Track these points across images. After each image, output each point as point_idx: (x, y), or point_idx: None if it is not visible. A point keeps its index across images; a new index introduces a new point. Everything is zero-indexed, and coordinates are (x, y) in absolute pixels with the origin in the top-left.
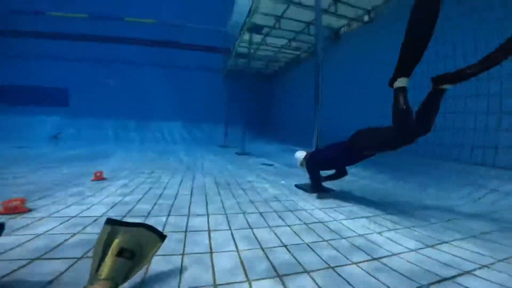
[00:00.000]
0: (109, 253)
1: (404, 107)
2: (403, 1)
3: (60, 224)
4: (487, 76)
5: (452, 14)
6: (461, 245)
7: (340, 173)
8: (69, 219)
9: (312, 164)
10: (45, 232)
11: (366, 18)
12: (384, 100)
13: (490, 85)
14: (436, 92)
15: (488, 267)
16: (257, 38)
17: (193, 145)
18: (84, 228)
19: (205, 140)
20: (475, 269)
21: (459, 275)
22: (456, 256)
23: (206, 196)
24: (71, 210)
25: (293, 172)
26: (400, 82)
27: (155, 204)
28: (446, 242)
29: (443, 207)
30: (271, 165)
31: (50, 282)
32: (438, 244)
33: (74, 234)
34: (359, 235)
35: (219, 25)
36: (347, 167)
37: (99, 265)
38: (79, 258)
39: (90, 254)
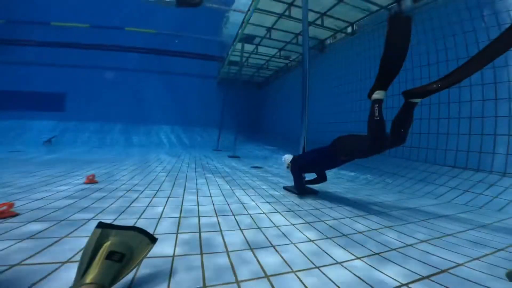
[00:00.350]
0: (98, 256)
1: (378, 118)
2: (382, 16)
3: (48, 227)
4: (460, 84)
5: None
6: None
7: (320, 178)
8: (57, 222)
9: (296, 167)
10: (31, 236)
11: (349, 30)
12: (365, 106)
13: (461, 93)
14: (408, 105)
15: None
16: (249, 47)
17: (187, 148)
18: (73, 231)
19: (199, 144)
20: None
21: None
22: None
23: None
24: (62, 213)
25: (280, 174)
26: (377, 95)
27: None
28: (424, 241)
29: (419, 207)
30: (260, 167)
31: (33, 284)
32: (417, 243)
33: (61, 237)
34: (344, 235)
35: (214, 35)
36: (327, 173)
37: (86, 269)
38: (63, 262)
39: (76, 258)
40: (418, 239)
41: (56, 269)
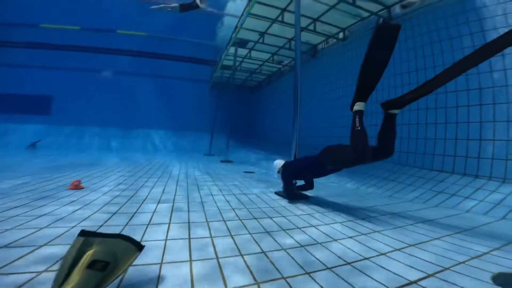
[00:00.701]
0: (78, 265)
1: (359, 128)
2: (372, 21)
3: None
4: (445, 90)
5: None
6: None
7: (308, 185)
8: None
9: (286, 173)
10: (6, 245)
11: (341, 35)
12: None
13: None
14: (388, 116)
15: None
16: (242, 51)
17: (178, 153)
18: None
19: (191, 148)
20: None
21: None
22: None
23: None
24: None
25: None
26: (358, 106)
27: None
28: (412, 245)
29: (408, 211)
30: (252, 172)
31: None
32: (405, 247)
33: (40, 246)
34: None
35: (208, 39)
36: (320, 179)
37: (65, 278)
38: (40, 272)
39: (55, 267)
40: (406, 243)
41: (32, 278)
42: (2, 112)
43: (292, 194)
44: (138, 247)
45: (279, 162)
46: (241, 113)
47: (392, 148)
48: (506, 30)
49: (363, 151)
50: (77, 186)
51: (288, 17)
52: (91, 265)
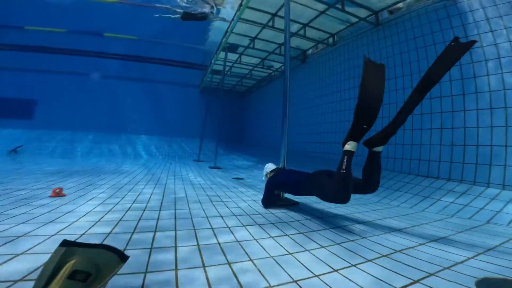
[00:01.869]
0: (58, 276)
1: (345, 171)
2: (362, 27)
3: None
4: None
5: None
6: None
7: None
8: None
9: (270, 181)
10: None
11: (330, 40)
12: (346, 117)
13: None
14: (372, 155)
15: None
16: (232, 56)
17: (167, 158)
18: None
19: (179, 154)
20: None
21: None
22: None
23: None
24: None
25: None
26: (349, 146)
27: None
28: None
29: (395, 217)
30: (241, 178)
31: None
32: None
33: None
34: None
35: (197, 43)
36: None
37: None
38: (16, 281)
39: (32, 276)
40: (393, 249)
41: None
42: None
43: (267, 202)
44: (122, 257)
45: (270, 167)
46: (231, 118)
47: (377, 184)
48: (489, 34)
49: (343, 198)
50: (58, 194)
51: (279, 23)
52: (72, 275)
